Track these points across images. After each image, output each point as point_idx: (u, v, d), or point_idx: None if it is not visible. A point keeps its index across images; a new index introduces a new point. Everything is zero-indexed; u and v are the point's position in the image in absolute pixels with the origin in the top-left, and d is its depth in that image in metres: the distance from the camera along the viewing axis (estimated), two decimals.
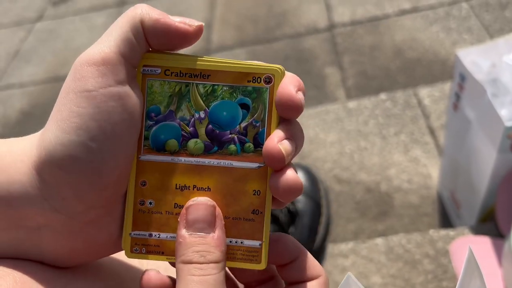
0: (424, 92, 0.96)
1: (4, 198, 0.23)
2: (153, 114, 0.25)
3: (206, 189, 0.25)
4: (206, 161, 0.25)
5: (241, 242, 0.25)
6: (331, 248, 0.68)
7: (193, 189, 0.25)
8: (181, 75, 0.25)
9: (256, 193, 0.25)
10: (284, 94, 0.24)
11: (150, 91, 0.25)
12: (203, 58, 0.25)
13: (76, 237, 0.24)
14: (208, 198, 0.24)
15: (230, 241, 0.25)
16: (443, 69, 1.07)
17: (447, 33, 1.15)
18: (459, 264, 0.56)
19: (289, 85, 0.24)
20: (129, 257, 0.25)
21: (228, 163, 0.25)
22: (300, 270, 0.26)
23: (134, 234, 0.25)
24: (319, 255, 0.67)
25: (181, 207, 0.25)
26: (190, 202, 0.24)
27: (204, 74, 0.25)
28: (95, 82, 0.22)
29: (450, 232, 0.64)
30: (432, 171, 0.84)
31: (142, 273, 0.25)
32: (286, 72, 0.25)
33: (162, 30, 0.23)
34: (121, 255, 0.32)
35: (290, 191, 0.24)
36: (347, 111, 0.97)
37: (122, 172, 0.24)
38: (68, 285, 0.25)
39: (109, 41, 0.23)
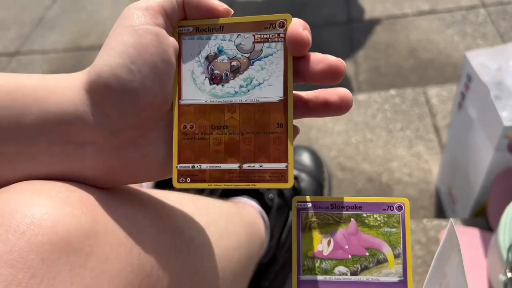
0: (433, 92, 0.99)
1: (58, 114, 0.28)
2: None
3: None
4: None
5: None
6: None
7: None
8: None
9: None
10: (293, 32, 0.28)
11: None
12: (226, 18, 0.30)
13: (115, 154, 0.29)
14: None
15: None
16: (454, 72, 1.10)
17: (462, 37, 1.18)
18: None
19: (297, 24, 0.29)
20: (176, 186, 0.30)
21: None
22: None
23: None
24: None
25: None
26: None
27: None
28: (138, 20, 0.28)
29: (443, 222, 0.67)
30: (433, 167, 0.87)
31: None
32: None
33: (196, 1, 0.29)
34: (158, 194, 0.36)
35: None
36: (356, 103, 1.00)
37: (157, 96, 0.28)
38: (119, 208, 0.29)
39: None
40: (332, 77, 0.28)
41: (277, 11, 1.43)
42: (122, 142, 0.28)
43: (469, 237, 0.62)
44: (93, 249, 0.26)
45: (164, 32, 0.29)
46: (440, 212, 0.80)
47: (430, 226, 0.67)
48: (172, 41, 0.29)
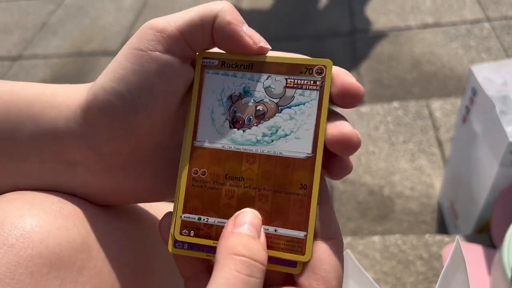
0: (437, 105, 0.98)
1: (51, 131, 0.26)
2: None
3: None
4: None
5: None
6: None
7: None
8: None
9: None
10: (345, 82, 0.24)
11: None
12: (256, 55, 0.27)
13: (106, 177, 0.27)
14: (254, 210, 0.25)
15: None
16: (458, 85, 1.09)
17: (466, 51, 1.17)
18: None
19: (346, 74, 0.24)
20: (178, 239, 0.26)
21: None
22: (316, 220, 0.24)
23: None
24: None
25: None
26: (237, 213, 0.25)
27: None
28: (148, 44, 0.25)
29: (445, 238, 0.66)
30: (435, 181, 0.86)
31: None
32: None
33: (228, 34, 0.25)
34: (155, 207, 0.35)
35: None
36: (359, 114, 0.99)
37: (153, 127, 0.26)
38: (113, 221, 0.28)
39: (176, 17, 0.25)
40: (344, 148, 0.25)
41: (280, 19, 1.43)
42: (113, 165, 0.27)
43: (472, 254, 0.61)
44: (85, 264, 0.25)
45: (175, 61, 0.25)
46: (442, 227, 0.79)
47: (432, 241, 0.66)
48: (186, 71, 0.26)
